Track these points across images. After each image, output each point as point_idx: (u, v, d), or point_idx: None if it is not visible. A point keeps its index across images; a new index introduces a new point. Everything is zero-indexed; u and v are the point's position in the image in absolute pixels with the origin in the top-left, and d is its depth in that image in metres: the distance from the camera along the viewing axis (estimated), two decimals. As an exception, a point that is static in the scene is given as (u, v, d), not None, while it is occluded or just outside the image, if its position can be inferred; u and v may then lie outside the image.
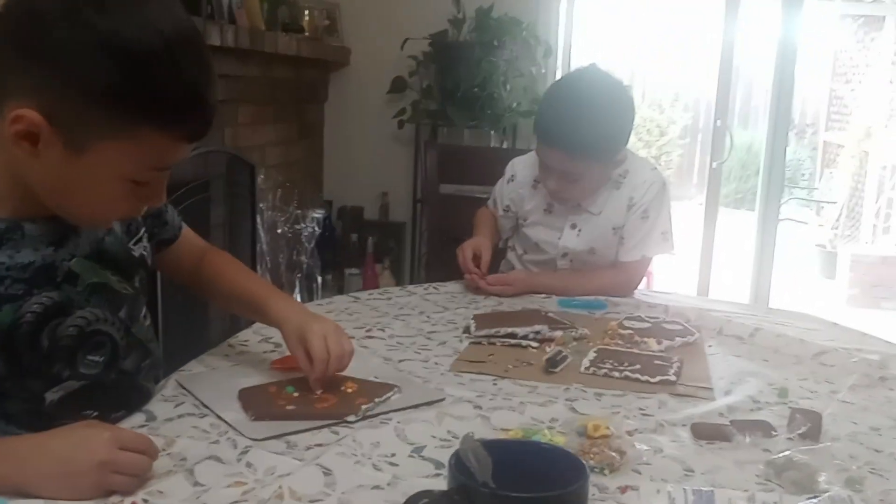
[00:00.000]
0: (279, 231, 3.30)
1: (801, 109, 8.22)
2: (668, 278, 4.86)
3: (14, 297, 0.98)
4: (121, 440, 0.88)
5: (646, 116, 8.47)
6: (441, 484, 0.79)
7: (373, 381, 1.19)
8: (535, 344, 1.43)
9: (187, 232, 1.35)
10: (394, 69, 3.76)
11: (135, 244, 1.17)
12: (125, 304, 1.12)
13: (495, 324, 1.49)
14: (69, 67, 0.89)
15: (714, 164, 3.95)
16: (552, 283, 1.87)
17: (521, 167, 2.00)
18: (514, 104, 3.61)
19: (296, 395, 1.13)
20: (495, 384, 1.25)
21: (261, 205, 3.13)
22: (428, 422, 1.08)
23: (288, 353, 1.28)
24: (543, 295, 1.83)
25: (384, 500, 0.87)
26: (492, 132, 3.67)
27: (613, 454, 0.97)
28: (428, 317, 1.62)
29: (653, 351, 1.43)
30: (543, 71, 3.72)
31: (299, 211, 3.39)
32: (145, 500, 0.85)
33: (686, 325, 1.57)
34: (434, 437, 1.04)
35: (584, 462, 0.79)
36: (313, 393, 1.13)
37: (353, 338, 1.37)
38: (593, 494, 0.89)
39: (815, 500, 0.89)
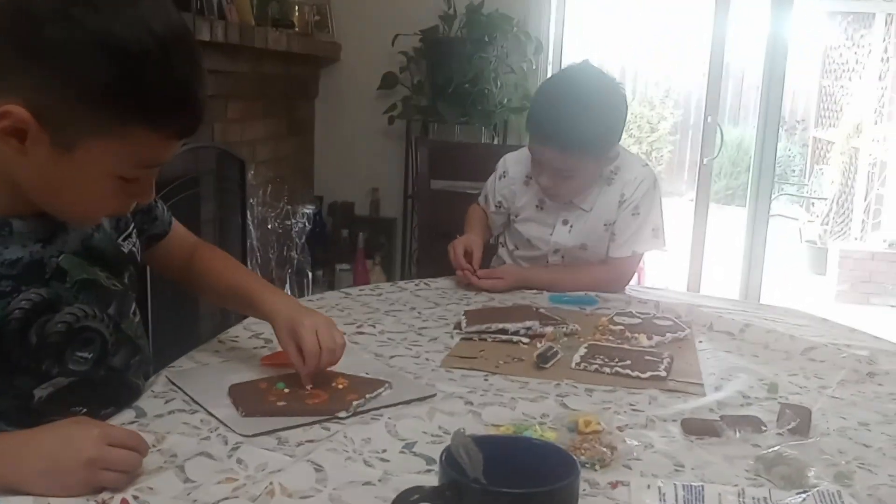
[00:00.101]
0: (269, 227, 3.29)
1: (792, 106, 8.24)
2: (659, 274, 4.88)
3: (2, 293, 0.98)
4: (110, 437, 0.87)
5: (636, 113, 8.48)
6: (432, 480, 0.79)
7: (364, 377, 1.19)
8: (525, 340, 1.44)
9: (177, 227, 1.35)
10: (384, 65, 3.75)
11: (124, 240, 1.17)
12: (114, 300, 1.12)
13: (486, 320, 1.49)
14: (59, 65, 0.89)
15: (704, 161, 3.96)
16: (543, 277, 1.88)
17: (513, 163, 2.00)
18: (505, 100, 3.62)
19: (286, 391, 1.12)
20: (486, 380, 1.25)
21: (251, 200, 3.13)
22: (419, 417, 1.08)
23: (278, 350, 1.28)
24: (534, 291, 1.83)
25: (375, 496, 0.87)
26: (482, 128, 3.67)
27: (604, 450, 0.98)
28: (419, 313, 1.61)
29: (643, 347, 1.43)
30: (534, 67, 3.72)
31: (290, 207, 3.39)
32: (135, 497, 0.84)
33: (677, 320, 1.57)
34: (425, 432, 1.04)
35: (575, 457, 0.79)
36: (304, 389, 1.13)
37: (344, 334, 1.37)
38: (584, 490, 0.89)
39: (804, 495, 0.89)
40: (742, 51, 6.69)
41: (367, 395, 1.12)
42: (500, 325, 1.46)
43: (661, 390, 1.23)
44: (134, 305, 1.19)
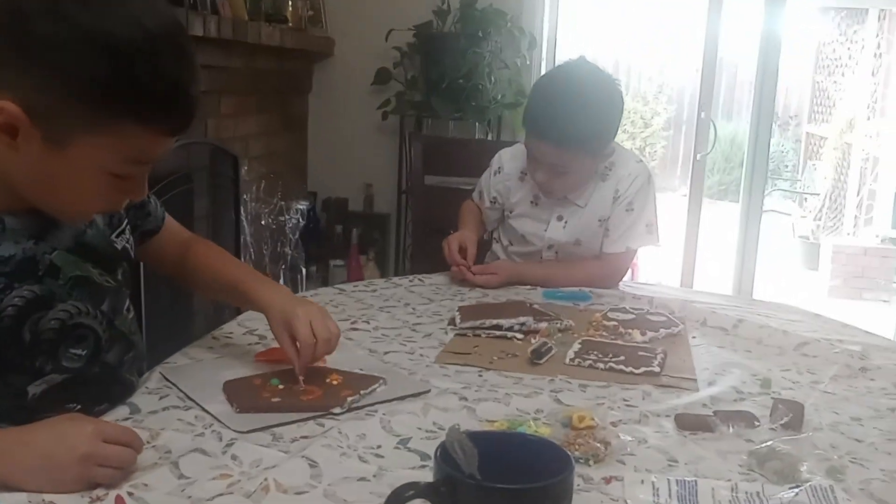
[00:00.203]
0: (263, 223, 3.29)
1: (785, 102, 8.26)
2: (653, 269, 4.89)
3: (-5, 290, 0.97)
4: (104, 433, 0.87)
5: (630, 108, 8.47)
6: (427, 475, 0.79)
7: (358, 374, 1.19)
8: (520, 335, 1.44)
9: (170, 222, 1.34)
10: (378, 60, 3.74)
11: (117, 236, 1.17)
12: (107, 296, 1.12)
13: (480, 315, 1.49)
14: (50, 62, 0.88)
15: (698, 156, 3.97)
16: (537, 273, 1.88)
17: (508, 159, 2.00)
18: (499, 96, 3.61)
19: (281, 387, 1.12)
20: (480, 376, 1.25)
21: (244, 196, 3.12)
22: (413, 413, 1.08)
23: (272, 346, 1.28)
24: (528, 287, 1.83)
25: (370, 491, 0.87)
26: (476, 124, 3.67)
27: (598, 445, 0.98)
28: (413, 309, 1.62)
29: (637, 342, 1.44)
30: (528, 63, 3.72)
31: (283, 202, 3.38)
32: (130, 493, 0.84)
33: (670, 316, 1.57)
34: (420, 428, 1.04)
35: (569, 453, 0.79)
36: (298, 385, 1.13)
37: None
38: (578, 485, 0.89)
39: (796, 490, 0.90)
40: (735, 46, 6.71)
41: (362, 391, 1.12)
42: (494, 321, 1.46)
43: (655, 386, 1.24)
44: (127, 302, 1.19)
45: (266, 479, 0.87)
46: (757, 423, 1.09)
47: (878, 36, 6.57)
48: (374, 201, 4.03)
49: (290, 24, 3.47)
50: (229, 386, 1.12)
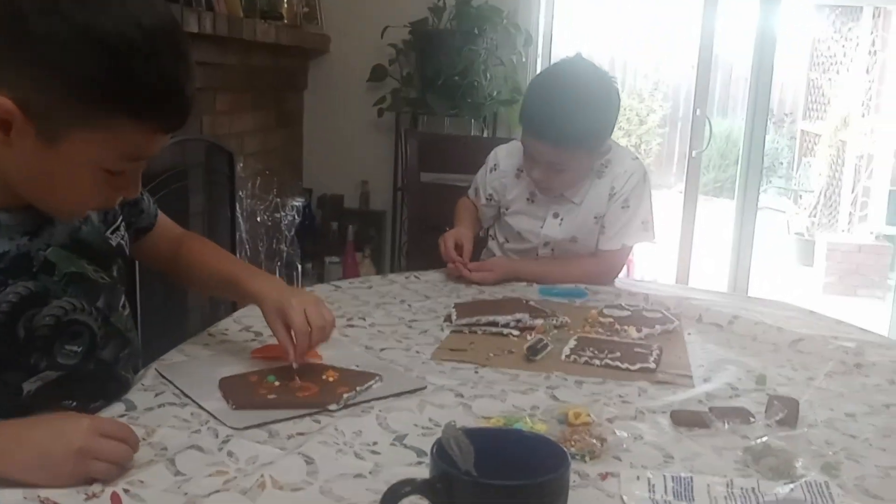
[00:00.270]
0: (259, 219, 3.28)
1: (780, 99, 8.26)
2: (648, 266, 4.90)
3: (-10, 286, 0.97)
4: (101, 428, 0.87)
5: (625, 105, 8.48)
6: (423, 472, 0.79)
7: (354, 370, 1.19)
8: (515, 332, 1.44)
9: (163, 219, 1.34)
10: (374, 57, 3.74)
11: (112, 233, 1.16)
12: (103, 293, 1.11)
13: (476, 312, 1.49)
14: (45, 57, 0.88)
15: (693, 153, 3.97)
16: (533, 269, 1.88)
17: (504, 156, 2.00)
18: (495, 93, 3.61)
19: (277, 384, 1.12)
20: (476, 372, 1.26)
21: (240, 193, 3.11)
22: (410, 410, 1.08)
23: (268, 343, 1.28)
24: (524, 283, 1.83)
25: (366, 488, 0.87)
26: (472, 121, 3.67)
27: (594, 441, 0.98)
28: (409, 305, 1.62)
29: (633, 339, 1.44)
30: (524, 59, 3.72)
31: (279, 199, 3.38)
32: (126, 490, 0.84)
33: (666, 313, 1.58)
34: (416, 425, 1.04)
35: (565, 449, 0.79)
36: (295, 382, 1.13)
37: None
38: (574, 481, 0.89)
39: (792, 486, 0.90)
40: (731, 43, 6.71)
41: (358, 388, 1.12)
42: (490, 318, 1.46)
43: (651, 382, 1.24)
44: (123, 298, 1.18)
45: (262, 476, 0.87)
46: (752, 420, 1.09)
47: (872, 33, 6.59)
48: (370, 198, 4.02)
49: (286, 21, 3.46)
50: (225, 383, 1.12)
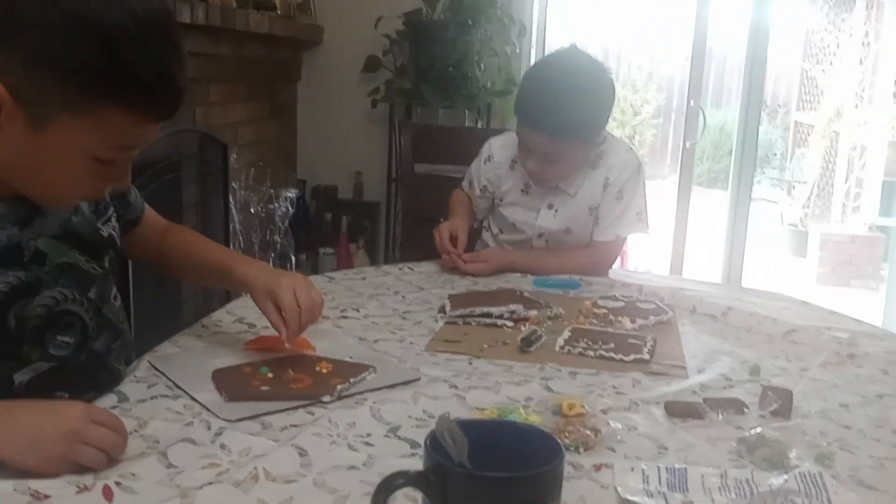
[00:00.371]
0: (252, 211, 3.27)
1: (773, 90, 8.26)
2: (642, 257, 4.90)
3: (-20, 277, 0.97)
4: (93, 415, 0.87)
5: (619, 96, 8.40)
6: (417, 464, 0.79)
7: (348, 362, 1.19)
8: (510, 323, 1.44)
9: (150, 212, 1.34)
10: (367, 48, 3.73)
11: (103, 224, 1.16)
12: (94, 284, 1.11)
13: (470, 303, 1.49)
14: (38, 45, 0.88)
15: (687, 144, 3.97)
16: (527, 260, 1.88)
17: (499, 147, 1.99)
18: (489, 84, 3.61)
19: (270, 375, 1.12)
20: (470, 364, 1.25)
21: (233, 184, 3.10)
22: (403, 402, 1.08)
23: (262, 334, 1.27)
24: (518, 275, 1.83)
25: (360, 480, 0.87)
26: (466, 112, 3.66)
27: (588, 432, 0.98)
28: (403, 297, 1.61)
29: (627, 330, 1.44)
30: (518, 51, 3.71)
31: (272, 190, 3.37)
32: (118, 483, 0.84)
33: (660, 304, 1.58)
34: (410, 416, 1.04)
35: (560, 441, 0.79)
36: (288, 373, 1.12)
37: (327, 318, 1.37)
38: (568, 472, 0.89)
39: (786, 476, 0.90)
40: (725, 35, 6.69)
41: (352, 380, 1.11)
42: (485, 309, 1.46)
43: (645, 373, 1.24)
44: (115, 289, 1.18)
45: (255, 468, 0.87)
46: (746, 411, 1.09)
47: (865, 24, 6.59)
48: (364, 189, 4.02)
49: (279, 12, 3.45)
50: (218, 374, 1.12)
